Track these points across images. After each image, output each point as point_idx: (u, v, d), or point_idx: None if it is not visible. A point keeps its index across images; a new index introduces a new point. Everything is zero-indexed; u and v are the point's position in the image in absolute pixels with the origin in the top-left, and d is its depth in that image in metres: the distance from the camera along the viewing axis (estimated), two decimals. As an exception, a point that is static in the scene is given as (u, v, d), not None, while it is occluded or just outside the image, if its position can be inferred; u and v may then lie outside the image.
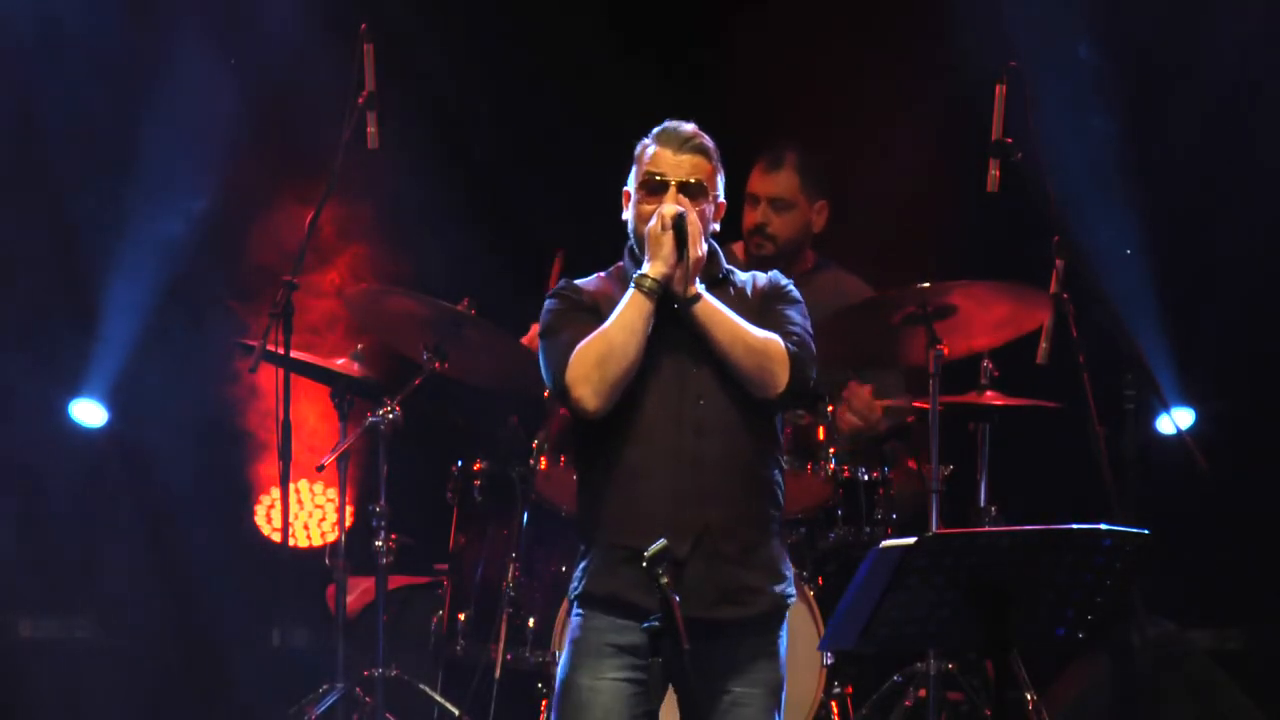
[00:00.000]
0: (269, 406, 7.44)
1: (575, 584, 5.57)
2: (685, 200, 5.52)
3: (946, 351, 7.32)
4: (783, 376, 5.48)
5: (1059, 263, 7.15)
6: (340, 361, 7.86)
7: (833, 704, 7.38)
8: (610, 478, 5.50)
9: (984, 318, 7.40)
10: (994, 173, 7.10)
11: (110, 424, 9.18)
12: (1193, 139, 8.81)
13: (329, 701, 7.57)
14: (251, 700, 8.40)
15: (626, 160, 5.67)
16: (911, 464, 7.89)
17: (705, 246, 5.52)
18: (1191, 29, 8.76)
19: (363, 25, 7.42)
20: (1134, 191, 8.77)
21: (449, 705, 7.66)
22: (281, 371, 7.26)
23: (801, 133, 8.42)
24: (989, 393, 7.53)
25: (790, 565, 5.63)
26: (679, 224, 5.46)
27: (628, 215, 5.62)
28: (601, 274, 5.68)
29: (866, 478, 7.68)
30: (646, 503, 5.45)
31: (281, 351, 7.26)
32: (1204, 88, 8.79)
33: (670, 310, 5.51)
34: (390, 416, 7.63)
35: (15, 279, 9.17)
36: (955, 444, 7.49)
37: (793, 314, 5.61)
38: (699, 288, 5.49)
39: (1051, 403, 7.48)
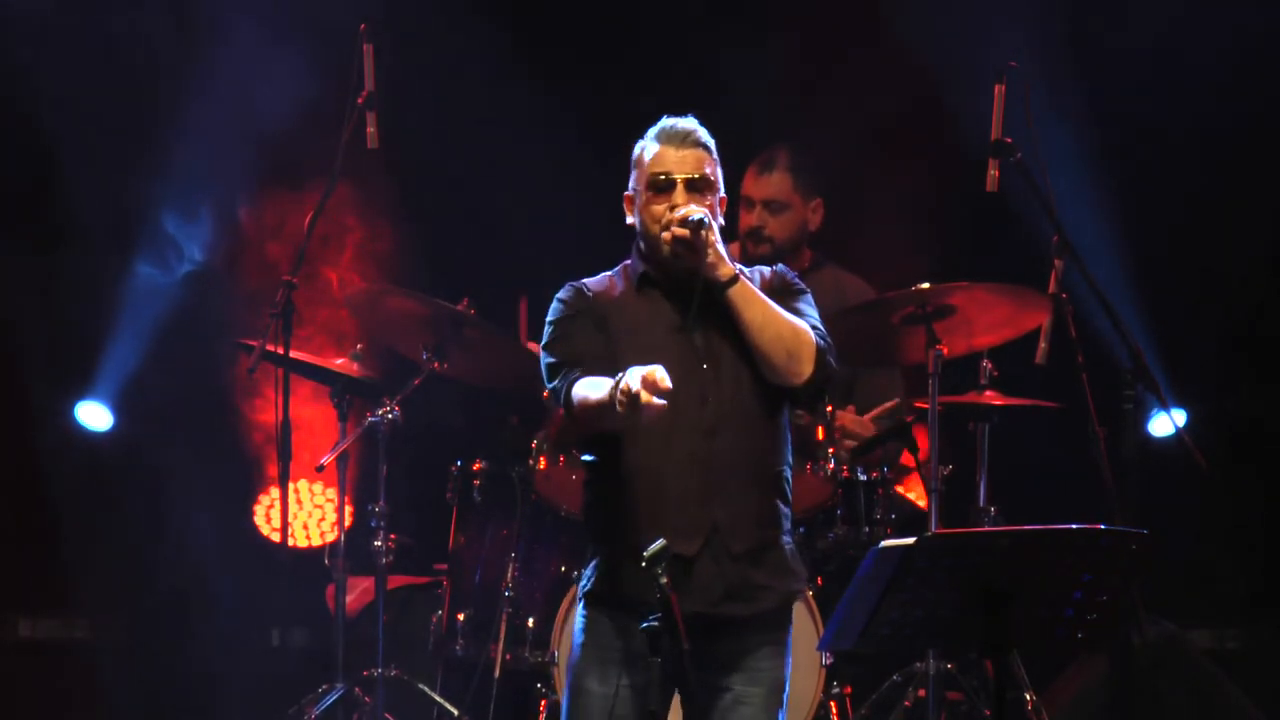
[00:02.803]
0: (269, 407, 7.43)
1: (585, 582, 5.57)
2: (695, 197, 5.49)
3: (946, 351, 7.32)
4: (808, 367, 5.48)
5: (1058, 263, 7.15)
6: (340, 361, 7.86)
7: (832, 704, 7.38)
8: (619, 479, 5.50)
9: (984, 318, 7.39)
10: (994, 173, 7.09)
11: (115, 427, 9.18)
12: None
13: (329, 701, 7.57)
14: (251, 700, 8.40)
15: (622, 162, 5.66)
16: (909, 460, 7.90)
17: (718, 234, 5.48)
18: (1188, 30, 8.77)
19: (362, 25, 7.41)
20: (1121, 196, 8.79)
21: (449, 705, 7.66)
22: (281, 371, 7.26)
23: (799, 133, 8.42)
24: (989, 393, 7.53)
25: (802, 562, 5.65)
26: (694, 232, 5.43)
27: (633, 219, 5.59)
28: (609, 273, 5.67)
29: (866, 478, 7.68)
30: (656, 504, 5.45)
31: (281, 351, 7.27)
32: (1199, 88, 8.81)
33: (681, 311, 5.50)
34: (390, 416, 7.63)
35: (19, 279, 9.18)
36: (955, 444, 7.49)
37: (806, 309, 5.61)
38: (735, 267, 5.48)
39: (1051, 403, 7.48)
